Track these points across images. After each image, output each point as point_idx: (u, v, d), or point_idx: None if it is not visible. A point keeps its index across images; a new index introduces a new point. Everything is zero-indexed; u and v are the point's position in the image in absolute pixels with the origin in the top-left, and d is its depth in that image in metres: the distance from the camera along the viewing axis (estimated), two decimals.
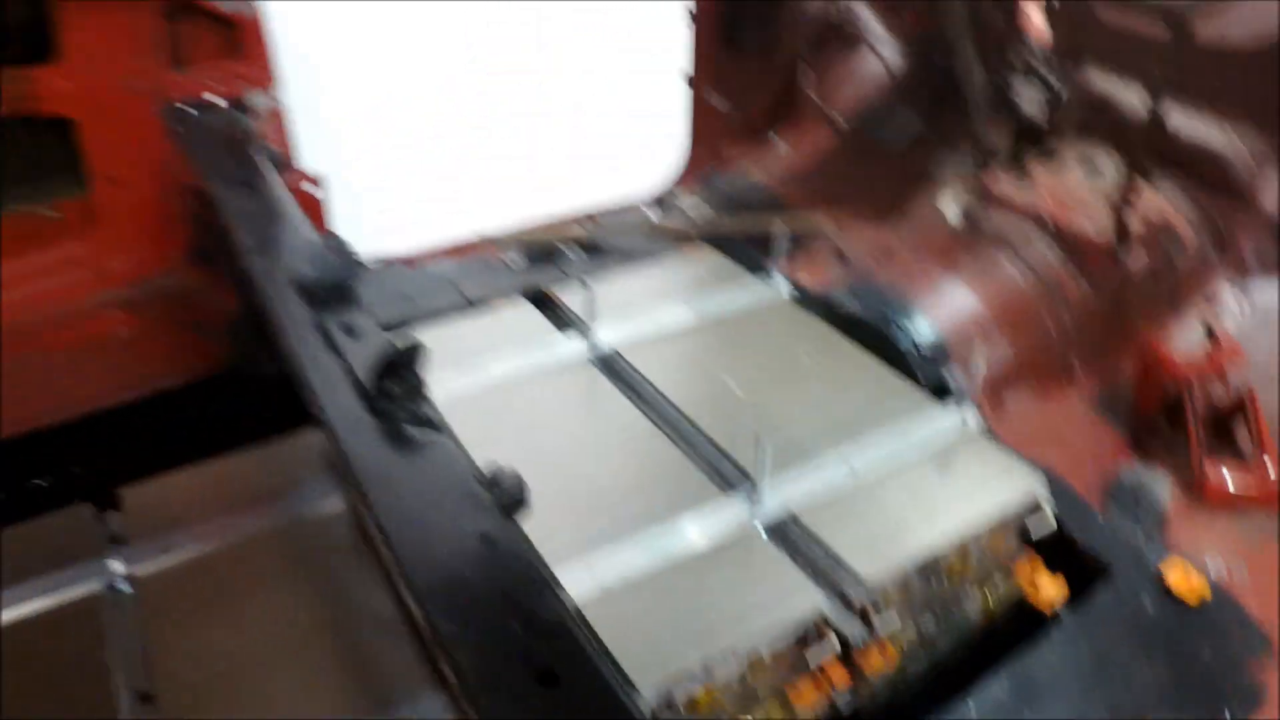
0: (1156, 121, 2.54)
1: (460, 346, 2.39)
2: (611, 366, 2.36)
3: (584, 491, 1.94)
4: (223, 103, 2.96)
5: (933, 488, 1.98)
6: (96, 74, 2.79)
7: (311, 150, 3.19)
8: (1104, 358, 2.61)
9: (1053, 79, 2.94)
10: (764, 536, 1.87)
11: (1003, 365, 2.50)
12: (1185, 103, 2.93)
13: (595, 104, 4.14)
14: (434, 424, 1.96)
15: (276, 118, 3.08)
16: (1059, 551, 2.08)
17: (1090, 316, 2.60)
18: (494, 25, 3.87)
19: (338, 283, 2.28)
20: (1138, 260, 2.67)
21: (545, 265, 3.11)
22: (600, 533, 1.81)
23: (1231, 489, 2.24)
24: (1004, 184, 2.81)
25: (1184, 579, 1.96)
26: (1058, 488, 2.22)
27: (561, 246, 3.18)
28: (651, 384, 2.27)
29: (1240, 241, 2.85)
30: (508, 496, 1.73)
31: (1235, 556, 2.13)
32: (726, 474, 2.00)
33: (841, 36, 3.68)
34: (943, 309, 2.52)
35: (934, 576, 1.89)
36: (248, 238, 2.40)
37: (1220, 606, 1.94)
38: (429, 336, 2.48)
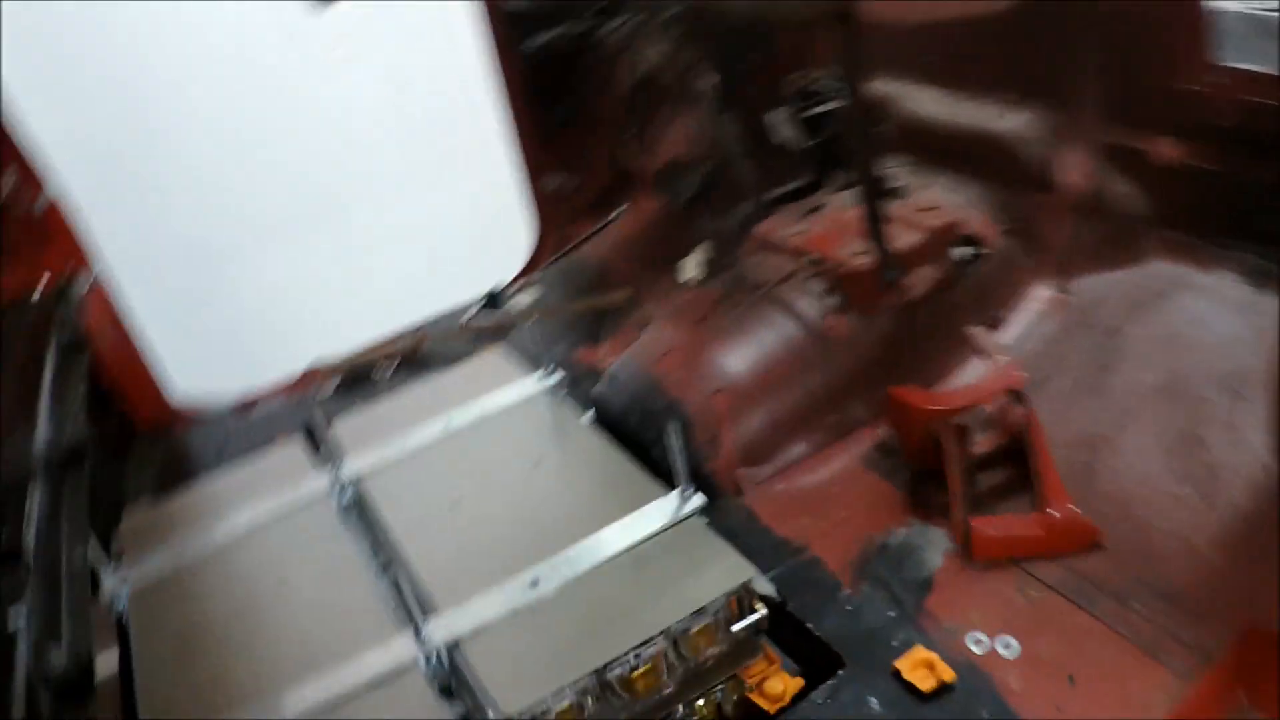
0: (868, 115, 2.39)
1: (214, 501, 2.44)
2: (352, 499, 2.34)
3: (266, 640, 1.96)
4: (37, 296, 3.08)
5: (623, 593, 1.88)
6: None
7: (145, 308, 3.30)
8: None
9: (833, 97, 2.82)
10: (421, 669, 1.81)
11: (763, 429, 2.36)
12: (954, 89, 2.76)
13: (436, 204, 4.17)
14: None
15: (99, 289, 3.20)
16: (799, 644, 1.96)
17: (865, 357, 2.44)
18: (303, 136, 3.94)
19: None
20: (919, 280, 2.49)
21: (357, 390, 3.13)
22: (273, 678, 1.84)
23: (999, 541, 1.98)
24: (777, 228, 2.69)
25: (919, 667, 1.78)
26: (799, 567, 2.09)
27: (380, 365, 3.19)
28: (378, 513, 2.24)
29: (1049, 232, 2.65)
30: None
31: (1008, 621, 1.87)
32: (413, 605, 1.95)
33: (664, 94, 3.62)
34: (696, 378, 2.41)
35: (613, 688, 1.78)
36: None
37: (967, 693, 1.76)
38: (200, 492, 2.55)
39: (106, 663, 2.07)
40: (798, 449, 2.36)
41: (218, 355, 3.70)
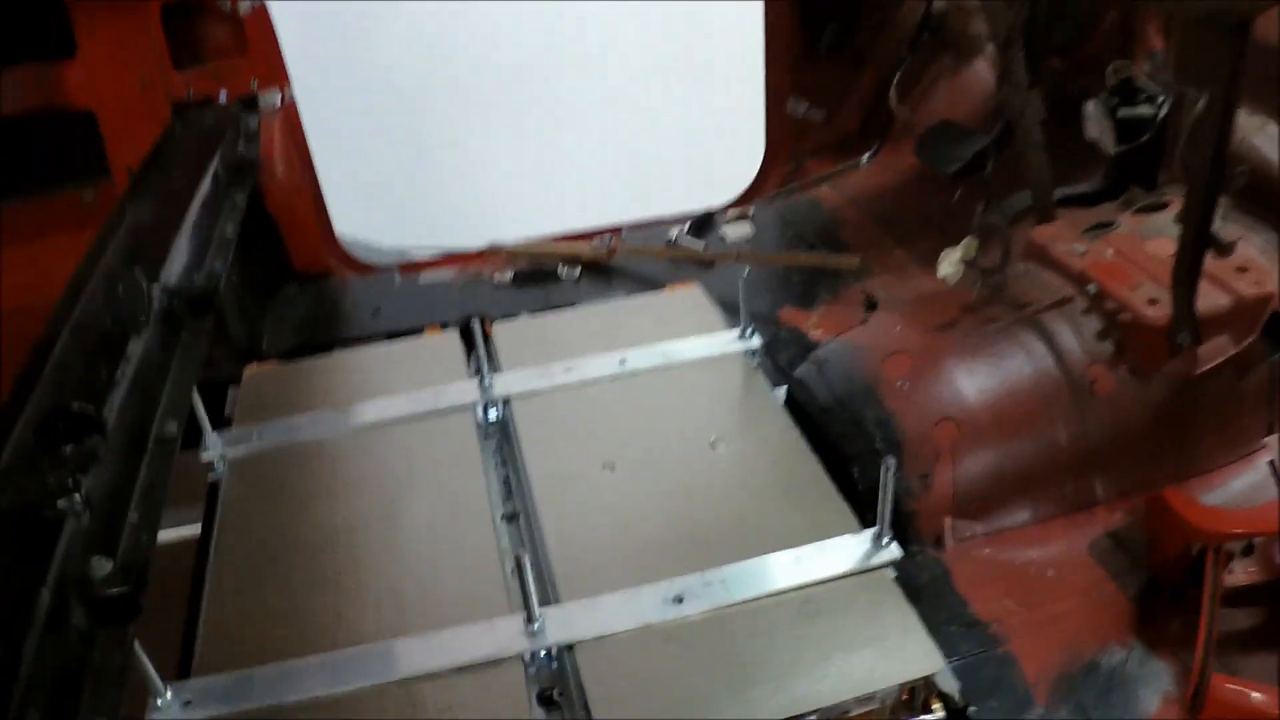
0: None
1: (355, 380, 2.23)
2: (496, 419, 2.07)
3: (359, 566, 1.72)
4: (224, 100, 2.89)
5: (780, 643, 1.54)
6: (111, 70, 2.80)
7: (327, 144, 3.08)
8: (1134, 485, 1.99)
9: (1161, 101, 2.30)
10: (524, 665, 1.53)
11: (985, 477, 1.96)
12: None
13: (662, 106, 3.76)
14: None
15: (288, 112, 2.99)
16: None
17: (1124, 424, 1.99)
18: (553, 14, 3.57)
19: None
20: (1213, 352, 2.01)
21: (534, 286, 2.85)
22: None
23: (1236, 710, 1.58)
24: (1058, 238, 2.21)
25: None
26: (991, 663, 1.72)
27: (563, 267, 2.90)
28: (519, 450, 1.96)
29: None
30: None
31: None
32: (530, 586, 1.67)
33: (948, 42, 3.12)
34: (921, 393, 2.01)
35: None
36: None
37: None
38: (336, 363, 2.33)
39: (186, 531, 1.89)
40: (1019, 513, 1.95)
41: (394, 214, 3.47)
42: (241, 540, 1.83)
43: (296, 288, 2.99)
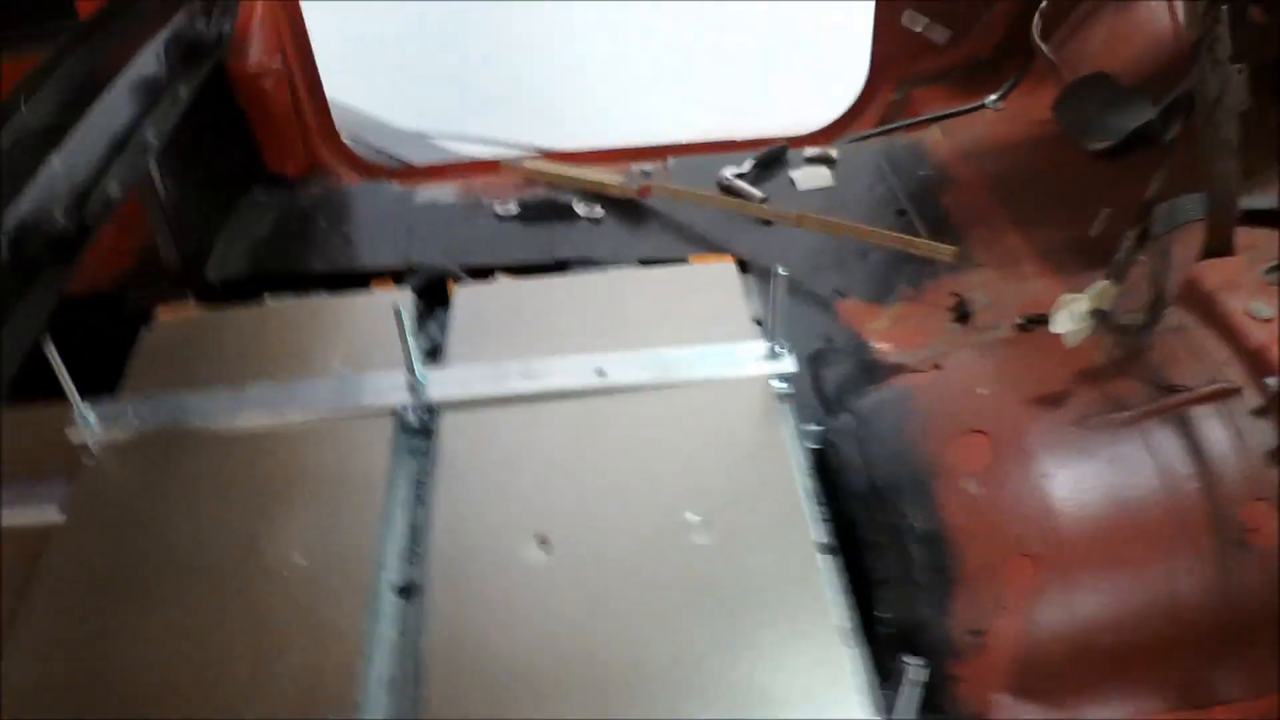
0: None
1: (275, 347, 1.78)
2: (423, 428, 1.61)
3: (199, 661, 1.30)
4: None
5: None
6: None
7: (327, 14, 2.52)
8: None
9: None
10: None
11: (1066, 644, 1.38)
12: None
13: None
14: None
15: None
16: None
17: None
18: None
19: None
20: None
21: (542, 224, 2.29)
22: None
23: None
24: (1233, 281, 1.56)
25: None
26: None
27: (580, 203, 2.33)
28: (433, 492, 1.47)
29: None
30: None
31: None
32: None
33: None
34: (995, 506, 1.43)
35: None
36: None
37: None
38: (260, 319, 1.86)
39: None
40: (1105, 703, 1.37)
41: (403, 100, 2.90)
42: (70, 565, 1.43)
43: (267, 193, 2.48)
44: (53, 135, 1.57)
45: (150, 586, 1.37)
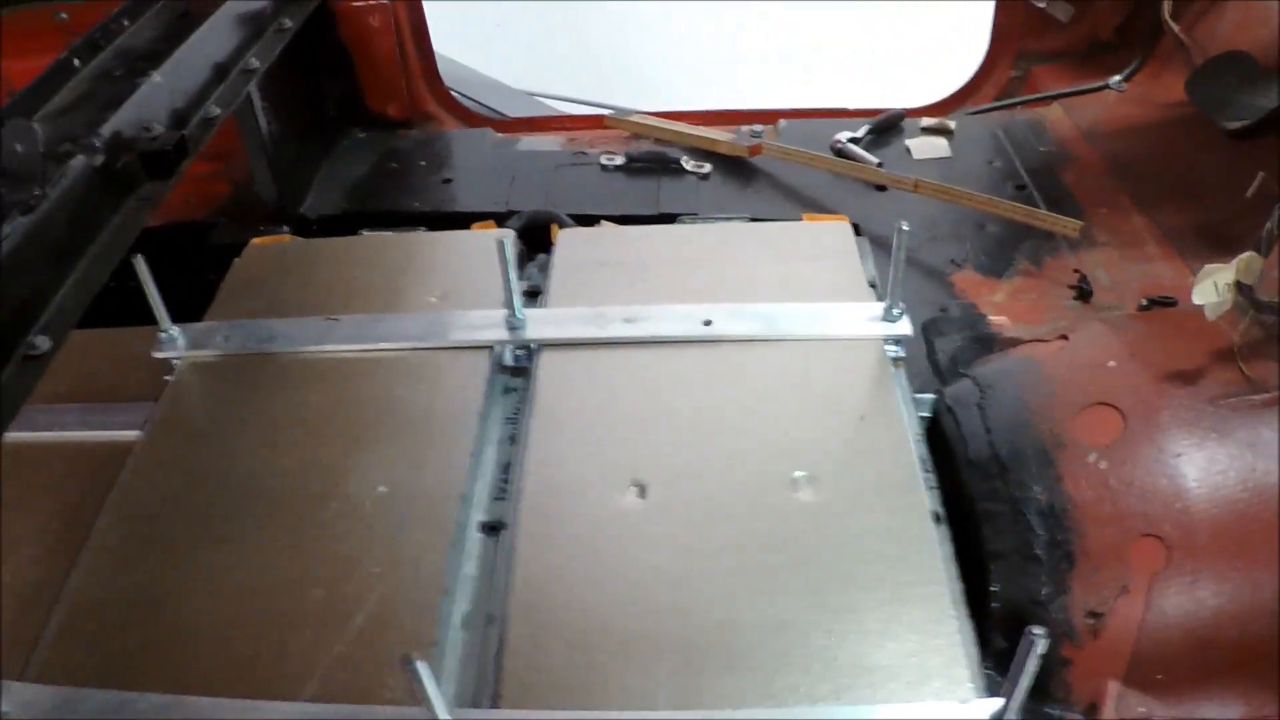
0: None
1: (371, 278, 1.75)
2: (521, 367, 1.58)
3: (271, 599, 1.25)
4: None
5: None
6: None
7: None
8: None
9: None
10: None
11: (1192, 634, 1.29)
12: None
13: None
14: None
15: None
16: None
17: None
18: None
19: None
20: None
21: (648, 178, 2.25)
22: None
23: None
24: None
25: None
26: None
27: (689, 160, 2.28)
28: (527, 431, 1.43)
29: None
30: None
31: None
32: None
33: None
34: (1123, 482, 1.35)
35: None
36: None
37: None
38: (355, 249, 1.84)
39: None
40: (1228, 701, 1.28)
41: (511, 53, 2.86)
42: (145, 484, 1.40)
43: (366, 135, 2.47)
44: (156, 56, 1.57)
45: (225, 509, 1.34)
